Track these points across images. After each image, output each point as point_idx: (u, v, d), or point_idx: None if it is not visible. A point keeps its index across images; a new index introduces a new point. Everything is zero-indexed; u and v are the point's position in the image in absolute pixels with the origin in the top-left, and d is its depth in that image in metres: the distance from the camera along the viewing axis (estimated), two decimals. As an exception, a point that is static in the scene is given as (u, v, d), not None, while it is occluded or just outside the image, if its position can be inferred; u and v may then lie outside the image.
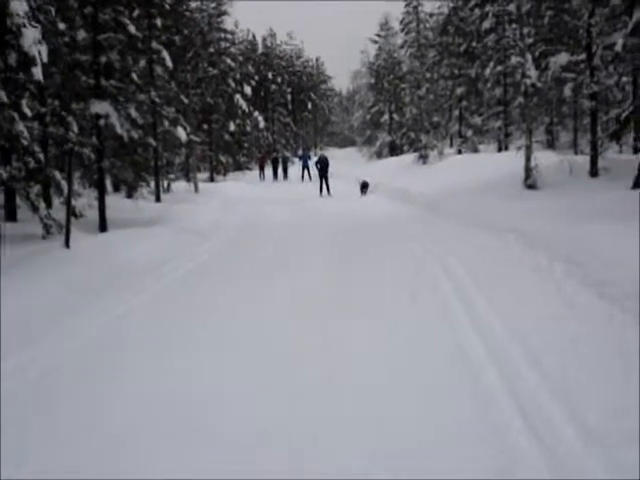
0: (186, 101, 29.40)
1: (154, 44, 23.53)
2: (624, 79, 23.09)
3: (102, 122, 15.54)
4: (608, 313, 6.65)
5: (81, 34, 15.85)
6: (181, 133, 24.44)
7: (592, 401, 4.73)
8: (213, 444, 4.46)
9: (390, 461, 4.13)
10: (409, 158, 39.66)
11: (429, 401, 5.01)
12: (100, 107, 15.38)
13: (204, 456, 4.31)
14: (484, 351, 5.98)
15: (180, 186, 30.10)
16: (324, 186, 28.53)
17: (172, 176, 29.22)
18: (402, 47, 56.98)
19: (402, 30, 56.00)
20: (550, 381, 5.14)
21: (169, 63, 24.00)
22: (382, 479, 3.93)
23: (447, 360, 5.84)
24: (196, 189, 29.96)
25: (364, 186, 27.01)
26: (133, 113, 16.69)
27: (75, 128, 14.99)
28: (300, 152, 47.08)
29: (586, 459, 4.00)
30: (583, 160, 20.92)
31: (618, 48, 16.67)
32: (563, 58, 19.90)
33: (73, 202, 14.25)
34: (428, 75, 46.00)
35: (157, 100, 22.32)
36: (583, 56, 20.45)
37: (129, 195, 19.44)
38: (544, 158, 19.73)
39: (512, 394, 4.97)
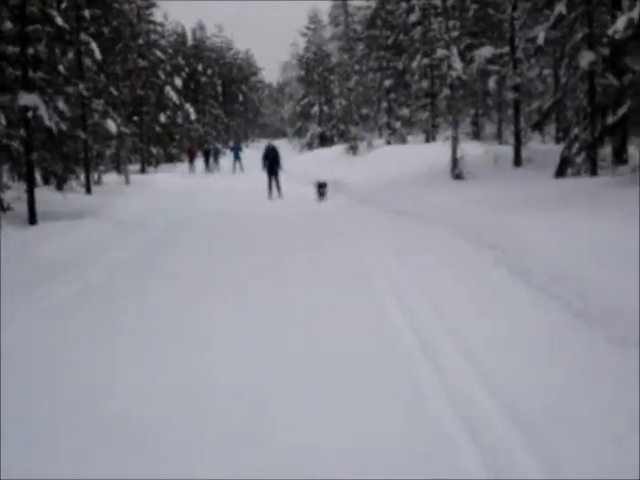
0: (116, 93, 29.08)
1: (82, 36, 23.22)
2: (545, 71, 23.83)
3: (30, 114, 15.32)
4: (532, 298, 6.95)
5: (7, 26, 15.61)
6: (111, 125, 24.22)
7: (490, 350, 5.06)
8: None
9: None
10: (339, 149, 39.99)
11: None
12: (28, 99, 15.16)
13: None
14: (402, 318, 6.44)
15: (111, 178, 29.78)
16: (274, 185, 22.49)
17: (102, 168, 28.88)
18: (331, 40, 57.28)
19: (331, 23, 56.31)
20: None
21: (98, 55, 23.73)
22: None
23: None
24: (127, 181, 29.68)
25: (321, 187, 20.96)
26: (61, 105, 16.51)
27: (3, 120, 14.76)
28: (231, 144, 46.92)
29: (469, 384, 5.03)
30: (507, 150, 21.54)
31: (540, 41, 17.22)
32: (487, 51, 20.47)
33: (2, 195, 14.09)
34: (357, 67, 46.41)
35: (86, 92, 22.05)
36: (507, 49, 21.04)
37: (59, 187, 19.17)
38: (470, 149, 20.26)
39: (415, 331, 6.22)
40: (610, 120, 16.35)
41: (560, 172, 17.31)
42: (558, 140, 26.83)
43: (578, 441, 3.99)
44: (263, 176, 22.79)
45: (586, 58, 16.01)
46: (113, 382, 5.44)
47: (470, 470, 3.80)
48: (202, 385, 5.29)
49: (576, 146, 17.05)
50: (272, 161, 22.59)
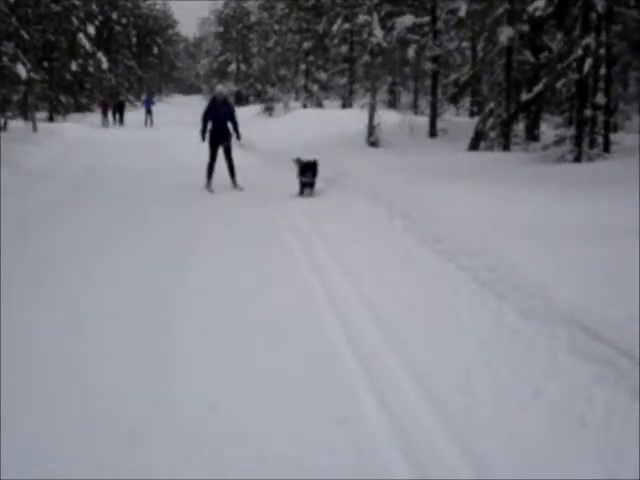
0: (27, 37, 27.85)
1: (-7, -24, 22.14)
2: (464, 44, 24.02)
3: None
4: (440, 264, 7.04)
5: None
6: (21, 70, 23.21)
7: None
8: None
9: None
10: (255, 109, 39.58)
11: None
12: None
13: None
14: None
15: (18, 125, 28.64)
16: (225, 166, 13.76)
17: (9, 114, 27.74)
18: (252, -3, 56.43)
19: (251, -21, 55.42)
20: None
21: (10, -4, 22.69)
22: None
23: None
24: (34, 128, 28.63)
25: (306, 170, 12.59)
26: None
27: None
28: (144, 97, 45.71)
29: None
30: (423, 121, 21.69)
31: (461, 13, 17.29)
32: (408, 20, 20.40)
33: None
34: (276, 27, 45.86)
35: (-6, 34, 21.10)
36: (427, 19, 21.06)
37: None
38: (387, 117, 20.24)
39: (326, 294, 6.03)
40: (525, 97, 16.62)
41: (473, 145, 17.53)
42: (472, 113, 27.17)
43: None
44: (176, 131, 21.60)
45: (505, 33, 16.16)
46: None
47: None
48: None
49: (490, 120, 17.27)
50: (220, 123, 13.72)
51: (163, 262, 7.72)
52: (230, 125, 13.77)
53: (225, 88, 15.14)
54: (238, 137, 13.88)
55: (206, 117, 13.73)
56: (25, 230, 9.46)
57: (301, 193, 12.53)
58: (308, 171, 12.53)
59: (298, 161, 12.85)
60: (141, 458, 3.66)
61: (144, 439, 3.85)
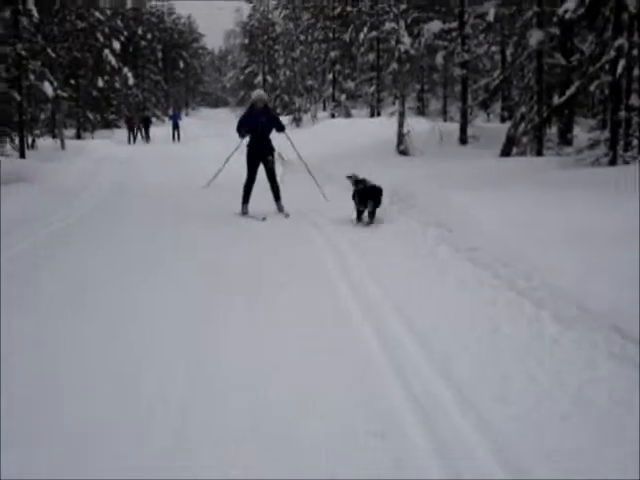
0: (53, 55, 28.15)
1: (19, -6, 22.37)
2: (493, 49, 23.82)
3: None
4: (478, 277, 6.88)
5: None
6: (47, 88, 23.40)
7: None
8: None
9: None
10: (283, 121, 39.59)
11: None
12: (-40, 58, 14.52)
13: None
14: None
15: (46, 143, 28.92)
16: (268, 186, 11.83)
17: (37, 132, 28.01)
18: (276, 8, 56.56)
19: (276, -9, 55.62)
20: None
21: (35, 14, 22.88)
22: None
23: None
24: (63, 146, 28.90)
25: (365, 196, 10.13)
26: (-4, 65, 15.88)
27: None
28: (171, 112, 45.93)
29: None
30: (453, 127, 21.50)
31: (490, 18, 17.14)
32: (436, 26, 20.28)
33: None
34: (302, 37, 45.95)
35: (23, 53, 21.27)
36: (455, 24, 20.91)
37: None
38: (416, 125, 20.11)
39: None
40: (557, 100, 16.38)
41: (505, 151, 17.32)
42: (503, 119, 26.95)
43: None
44: (205, 145, 21.05)
45: (535, 37, 15.98)
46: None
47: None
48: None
49: (522, 125, 17.05)
50: (260, 134, 11.71)
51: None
52: (274, 135, 11.91)
53: (265, 93, 12.71)
54: (275, 150, 11.96)
55: (242, 129, 11.65)
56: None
57: (358, 220, 10.24)
58: (369, 197, 10.06)
59: (355, 181, 10.63)
60: None
61: None
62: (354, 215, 10.29)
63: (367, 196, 10.06)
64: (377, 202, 10.15)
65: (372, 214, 10.15)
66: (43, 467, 3.58)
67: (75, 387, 4.58)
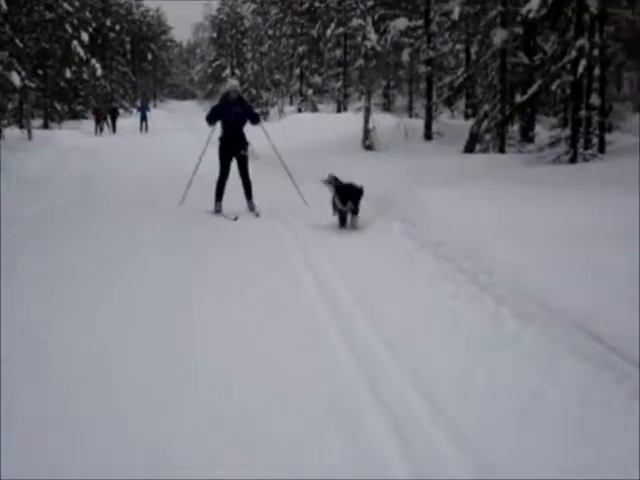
0: (21, 45, 27.87)
1: (-14, -15, 22.19)
2: (458, 47, 24.08)
3: None
4: (442, 270, 7.02)
5: None
6: (15, 78, 23.20)
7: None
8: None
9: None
10: (254, 113, 39.54)
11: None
12: None
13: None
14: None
15: (13, 133, 28.62)
16: (240, 184, 11.15)
17: (4, 122, 27.76)
18: (245, 2, 56.43)
19: (245, -15, 55.52)
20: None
21: (3, 4, 22.69)
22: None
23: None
24: (30, 136, 28.65)
25: (346, 196, 9.37)
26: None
27: None
28: (139, 103, 45.64)
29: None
30: (418, 124, 21.70)
31: (455, 16, 17.32)
32: (402, 23, 20.45)
33: None
34: (271, 32, 45.99)
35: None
36: (421, 22, 21.10)
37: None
38: (382, 120, 20.28)
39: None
40: (519, 99, 16.66)
41: (469, 148, 17.57)
42: (467, 116, 27.22)
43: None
44: (174, 137, 20.59)
45: (499, 36, 16.22)
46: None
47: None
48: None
49: (485, 123, 17.31)
50: (232, 126, 10.96)
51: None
52: (247, 127, 11.11)
53: (238, 83, 11.96)
54: (249, 144, 11.25)
55: (212, 118, 11.01)
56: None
57: (342, 225, 9.46)
58: (349, 197, 9.34)
59: (334, 182, 9.67)
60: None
61: None
62: (335, 217, 9.52)
63: (343, 192, 9.38)
64: (357, 199, 9.40)
65: (355, 211, 9.41)
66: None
67: (48, 382, 4.58)
